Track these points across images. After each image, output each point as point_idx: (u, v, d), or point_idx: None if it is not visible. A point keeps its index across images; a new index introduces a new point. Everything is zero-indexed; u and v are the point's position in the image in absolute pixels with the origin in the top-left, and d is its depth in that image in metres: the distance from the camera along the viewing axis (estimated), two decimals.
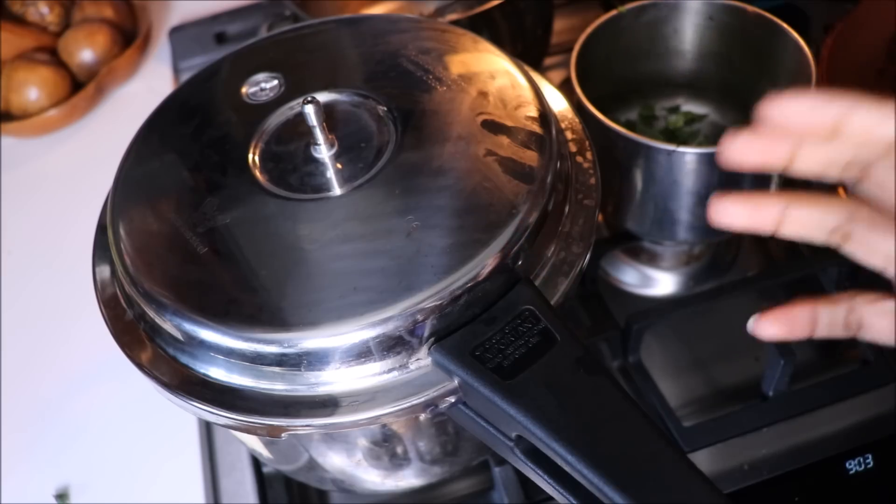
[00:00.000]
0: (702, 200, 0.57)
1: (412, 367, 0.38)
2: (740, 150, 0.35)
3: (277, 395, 0.39)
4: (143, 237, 0.42)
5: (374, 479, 0.49)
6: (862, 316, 0.36)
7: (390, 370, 0.38)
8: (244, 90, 0.48)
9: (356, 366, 0.38)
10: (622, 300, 0.65)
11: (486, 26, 0.67)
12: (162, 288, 0.40)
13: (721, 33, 0.66)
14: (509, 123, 0.44)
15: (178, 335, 0.40)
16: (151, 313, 0.40)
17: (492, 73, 0.46)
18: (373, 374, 0.38)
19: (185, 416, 0.44)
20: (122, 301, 0.44)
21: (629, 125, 0.68)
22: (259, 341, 0.37)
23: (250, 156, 0.45)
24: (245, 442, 0.52)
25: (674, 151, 0.54)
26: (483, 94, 0.45)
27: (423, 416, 0.42)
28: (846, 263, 0.59)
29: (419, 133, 0.44)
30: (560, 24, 0.82)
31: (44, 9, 0.91)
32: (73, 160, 0.84)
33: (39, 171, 0.84)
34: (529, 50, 0.74)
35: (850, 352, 0.59)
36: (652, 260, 0.67)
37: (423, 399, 0.38)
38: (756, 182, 0.58)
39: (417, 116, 0.44)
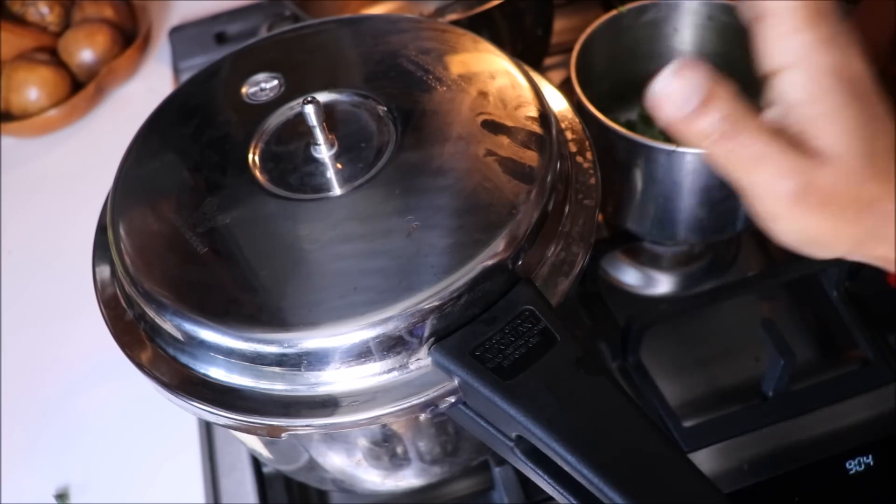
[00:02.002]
0: (702, 201, 0.57)
1: (412, 367, 0.38)
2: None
3: (277, 395, 0.39)
4: (143, 237, 0.42)
5: (374, 479, 0.49)
6: None
7: (390, 370, 0.38)
8: (244, 90, 0.48)
9: (356, 366, 0.38)
10: (622, 300, 0.65)
11: (486, 26, 0.67)
12: (162, 288, 0.40)
13: (721, 33, 0.66)
14: (509, 123, 0.44)
15: (178, 335, 0.40)
16: (151, 313, 0.40)
17: (492, 73, 0.46)
18: (373, 374, 0.38)
19: (185, 416, 0.44)
20: (122, 301, 0.44)
21: (629, 125, 0.68)
22: (259, 341, 0.37)
23: (250, 156, 0.45)
24: (245, 442, 0.52)
25: (674, 151, 0.54)
26: (483, 94, 0.45)
27: (423, 416, 0.42)
28: (846, 264, 0.59)
29: (419, 133, 0.44)
30: (560, 24, 0.82)
31: (44, 9, 0.91)
32: (73, 160, 0.84)
33: (39, 171, 0.84)
34: (529, 50, 0.74)
35: (850, 352, 0.60)
36: (652, 260, 0.67)
37: (423, 399, 0.38)
38: None
39: (417, 116, 0.44)
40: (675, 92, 0.30)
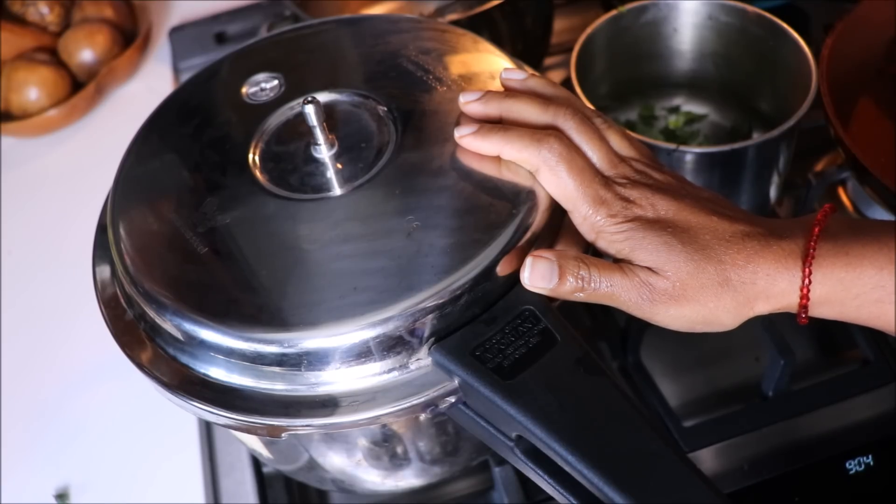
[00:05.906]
0: None
1: (412, 367, 0.38)
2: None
3: (277, 395, 0.39)
4: (143, 237, 0.42)
5: (374, 479, 0.49)
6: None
7: (390, 370, 0.38)
8: (244, 90, 0.48)
9: (356, 366, 0.38)
10: None
11: (486, 26, 0.67)
12: (162, 288, 0.40)
13: (721, 33, 0.66)
14: None
15: (178, 335, 0.40)
16: (151, 313, 0.40)
17: (492, 73, 0.46)
18: (373, 374, 0.38)
19: (185, 415, 0.44)
20: (122, 301, 0.44)
21: (629, 125, 0.68)
22: (259, 341, 0.38)
23: (250, 156, 0.45)
24: (245, 442, 0.52)
25: (674, 151, 0.54)
26: None
27: (423, 416, 0.42)
28: None
29: (419, 133, 0.44)
30: (560, 24, 0.82)
31: (44, 9, 0.91)
32: (73, 160, 0.84)
33: (39, 171, 0.84)
34: (529, 50, 0.74)
35: (850, 352, 0.59)
36: None
37: (423, 399, 0.38)
38: (756, 183, 0.58)
39: (417, 116, 0.44)
40: (538, 276, 0.38)
